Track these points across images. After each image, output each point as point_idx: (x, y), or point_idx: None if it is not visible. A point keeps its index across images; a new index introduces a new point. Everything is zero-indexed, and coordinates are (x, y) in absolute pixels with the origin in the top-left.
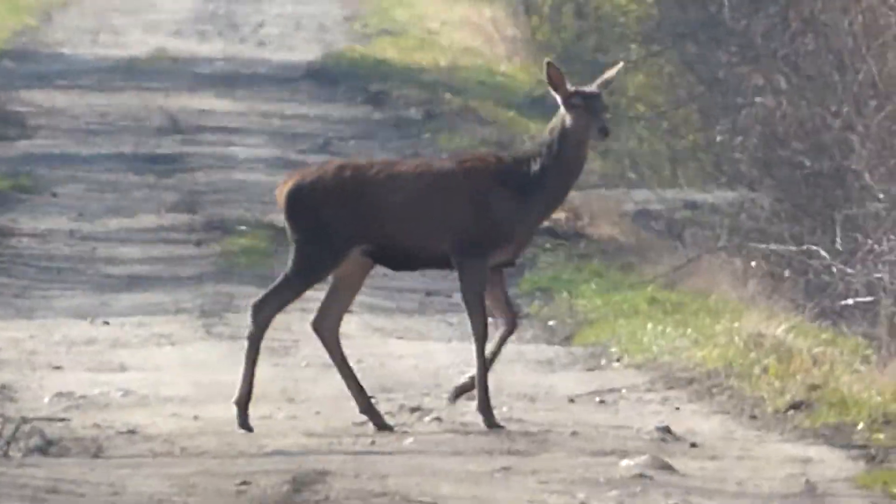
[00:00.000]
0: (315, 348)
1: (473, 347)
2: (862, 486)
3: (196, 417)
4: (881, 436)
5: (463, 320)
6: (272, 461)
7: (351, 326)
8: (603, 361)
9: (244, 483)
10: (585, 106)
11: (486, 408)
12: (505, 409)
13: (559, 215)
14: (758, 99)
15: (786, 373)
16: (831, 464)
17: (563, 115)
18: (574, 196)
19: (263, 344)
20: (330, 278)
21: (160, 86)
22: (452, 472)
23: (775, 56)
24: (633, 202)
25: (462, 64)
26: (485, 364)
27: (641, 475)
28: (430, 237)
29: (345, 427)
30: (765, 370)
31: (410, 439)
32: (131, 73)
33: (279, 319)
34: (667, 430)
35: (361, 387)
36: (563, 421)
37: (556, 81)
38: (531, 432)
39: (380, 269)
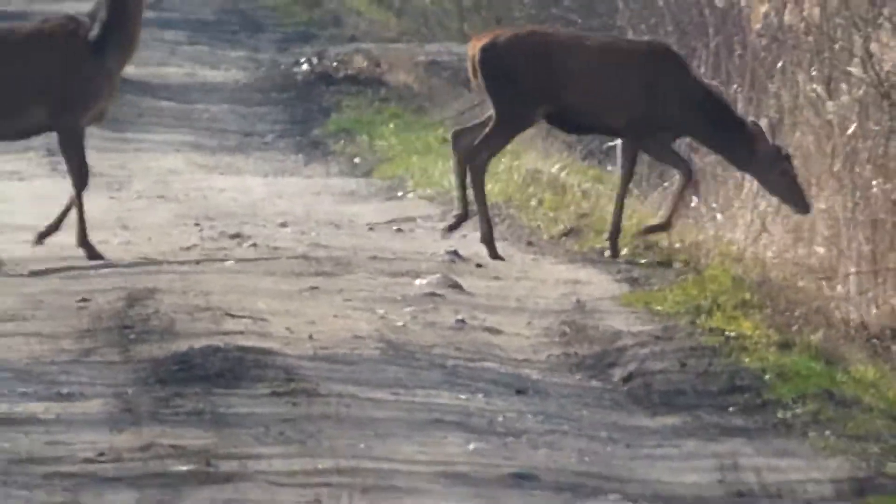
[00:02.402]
0: (147, 183)
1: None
2: (625, 304)
3: (41, 243)
4: (642, 259)
5: (274, 157)
6: (109, 281)
7: (178, 163)
8: (399, 193)
9: (84, 300)
10: None
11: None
12: (313, 234)
13: (360, 64)
14: None
15: (559, 204)
16: (599, 285)
17: None
18: (373, 48)
19: (101, 180)
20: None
21: None
22: (267, 291)
23: None
24: (425, 54)
25: None
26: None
27: (433, 293)
28: (607, 111)
29: (172, 251)
30: (540, 202)
31: (230, 262)
32: None
33: (114, 157)
34: (455, 253)
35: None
36: (364, 246)
37: None
38: (335, 256)
39: (194, 109)
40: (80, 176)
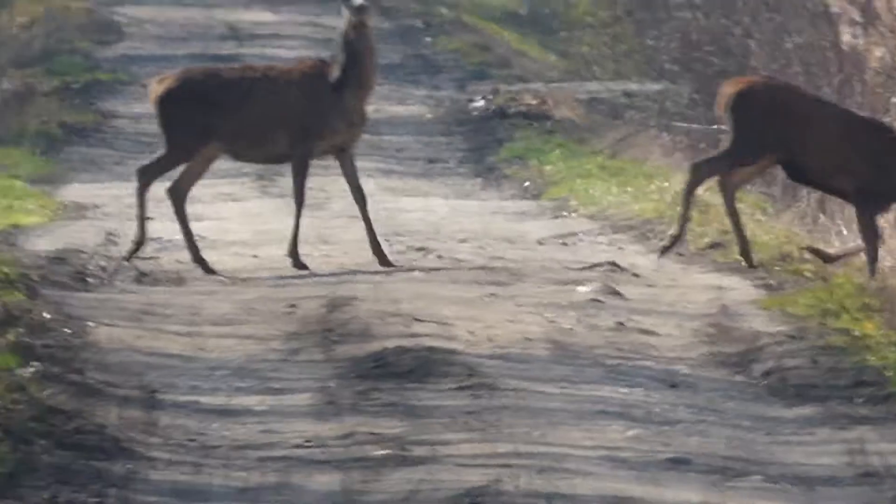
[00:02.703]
0: (344, 204)
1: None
2: (763, 307)
3: (255, 256)
4: (778, 269)
5: (454, 182)
6: (312, 289)
7: (370, 186)
8: (564, 213)
9: (291, 306)
10: None
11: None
12: (489, 248)
13: (529, 101)
14: (677, 13)
15: (705, 221)
16: (741, 291)
17: None
18: (540, 87)
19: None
20: None
21: (221, 3)
22: (450, 298)
23: None
24: (585, 92)
25: None
26: None
27: (595, 299)
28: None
29: (366, 263)
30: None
31: (417, 272)
32: None
33: (315, 182)
34: (614, 264)
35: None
36: (534, 258)
37: None
38: (509, 267)
39: (383, 140)
40: (301, 197)
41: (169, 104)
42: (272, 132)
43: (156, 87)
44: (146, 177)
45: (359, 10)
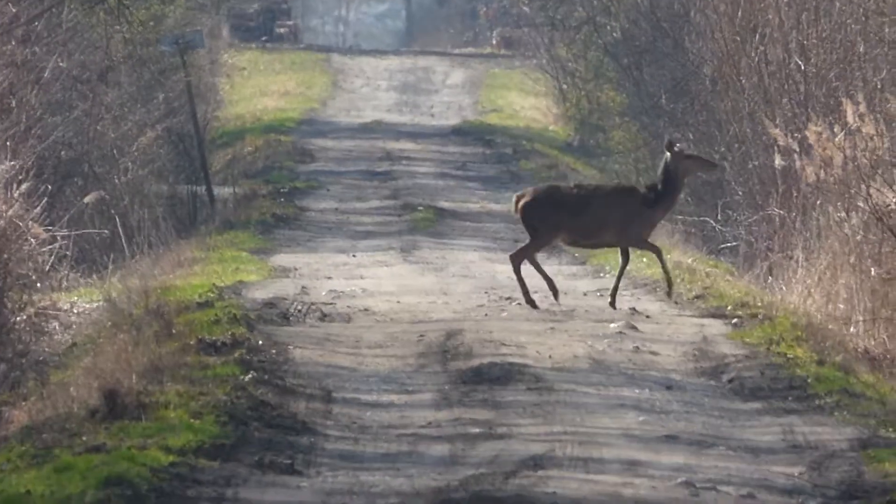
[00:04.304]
0: (457, 268)
1: None
2: (730, 338)
3: (398, 302)
4: (740, 312)
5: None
6: (435, 325)
7: (474, 257)
8: (601, 273)
9: (421, 336)
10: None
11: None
12: (551, 298)
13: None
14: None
15: (692, 280)
16: (715, 328)
17: None
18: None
19: (430, 266)
20: None
21: (380, 136)
22: (525, 330)
23: (686, 124)
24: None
25: (531, 126)
26: None
27: (620, 332)
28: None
29: (472, 308)
30: (682, 279)
31: (505, 313)
32: (365, 130)
33: (438, 253)
34: (634, 309)
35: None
36: (580, 304)
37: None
38: (564, 310)
39: (483, 226)
40: (652, 248)
41: (531, 210)
42: (601, 231)
43: (519, 200)
44: (517, 259)
45: (677, 154)
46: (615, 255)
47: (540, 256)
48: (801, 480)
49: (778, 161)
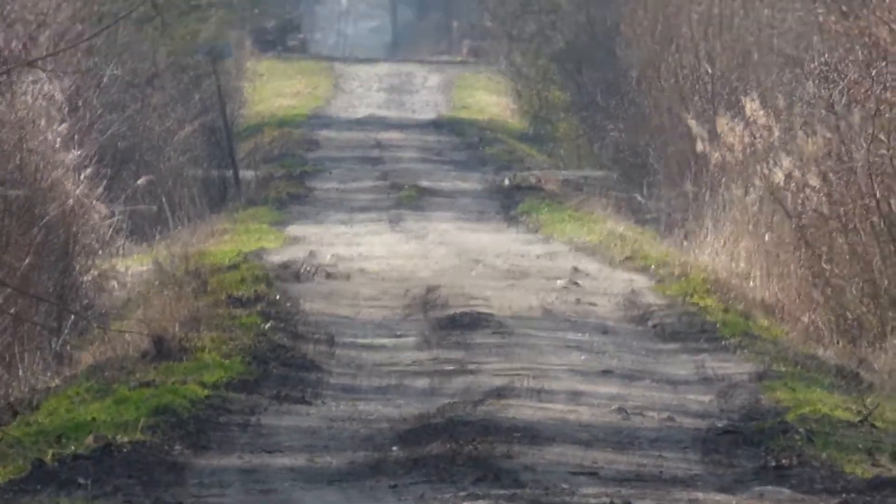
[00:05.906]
0: (435, 235)
1: None
2: (653, 290)
3: (388, 264)
4: (661, 270)
5: (492, 225)
6: (418, 282)
7: (449, 226)
8: (550, 241)
9: (407, 290)
10: None
11: None
12: (511, 260)
13: (531, 181)
14: (612, 133)
15: (623, 245)
16: (642, 282)
17: None
18: (538, 172)
19: (412, 234)
20: None
21: (372, 129)
22: (490, 286)
23: (617, 117)
24: (562, 175)
25: (494, 119)
26: None
27: (565, 287)
28: None
29: (447, 268)
30: (615, 245)
31: (474, 272)
32: (360, 124)
33: (419, 223)
34: (576, 268)
35: None
36: (533, 265)
37: None
38: (520, 270)
39: (456, 202)
40: None
41: None
42: None
43: None
44: None
45: None
46: (562, 225)
47: (500, 226)
48: (710, 406)
49: (699, 146)
